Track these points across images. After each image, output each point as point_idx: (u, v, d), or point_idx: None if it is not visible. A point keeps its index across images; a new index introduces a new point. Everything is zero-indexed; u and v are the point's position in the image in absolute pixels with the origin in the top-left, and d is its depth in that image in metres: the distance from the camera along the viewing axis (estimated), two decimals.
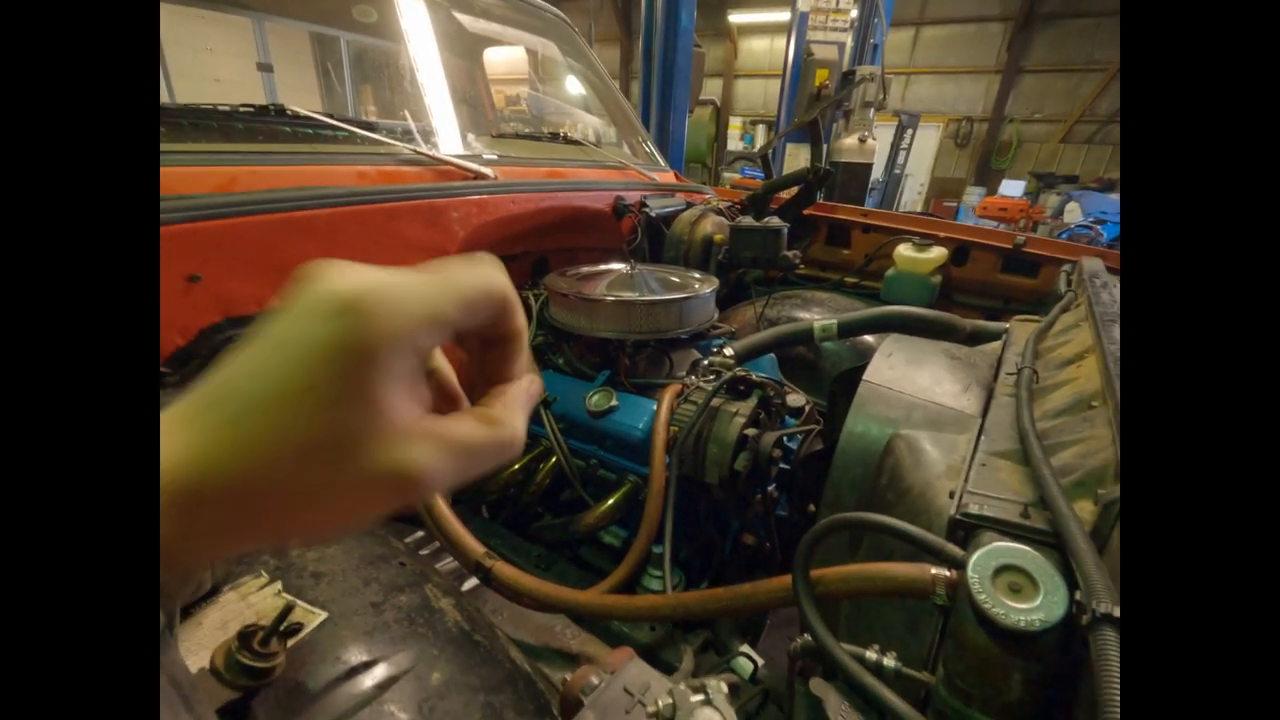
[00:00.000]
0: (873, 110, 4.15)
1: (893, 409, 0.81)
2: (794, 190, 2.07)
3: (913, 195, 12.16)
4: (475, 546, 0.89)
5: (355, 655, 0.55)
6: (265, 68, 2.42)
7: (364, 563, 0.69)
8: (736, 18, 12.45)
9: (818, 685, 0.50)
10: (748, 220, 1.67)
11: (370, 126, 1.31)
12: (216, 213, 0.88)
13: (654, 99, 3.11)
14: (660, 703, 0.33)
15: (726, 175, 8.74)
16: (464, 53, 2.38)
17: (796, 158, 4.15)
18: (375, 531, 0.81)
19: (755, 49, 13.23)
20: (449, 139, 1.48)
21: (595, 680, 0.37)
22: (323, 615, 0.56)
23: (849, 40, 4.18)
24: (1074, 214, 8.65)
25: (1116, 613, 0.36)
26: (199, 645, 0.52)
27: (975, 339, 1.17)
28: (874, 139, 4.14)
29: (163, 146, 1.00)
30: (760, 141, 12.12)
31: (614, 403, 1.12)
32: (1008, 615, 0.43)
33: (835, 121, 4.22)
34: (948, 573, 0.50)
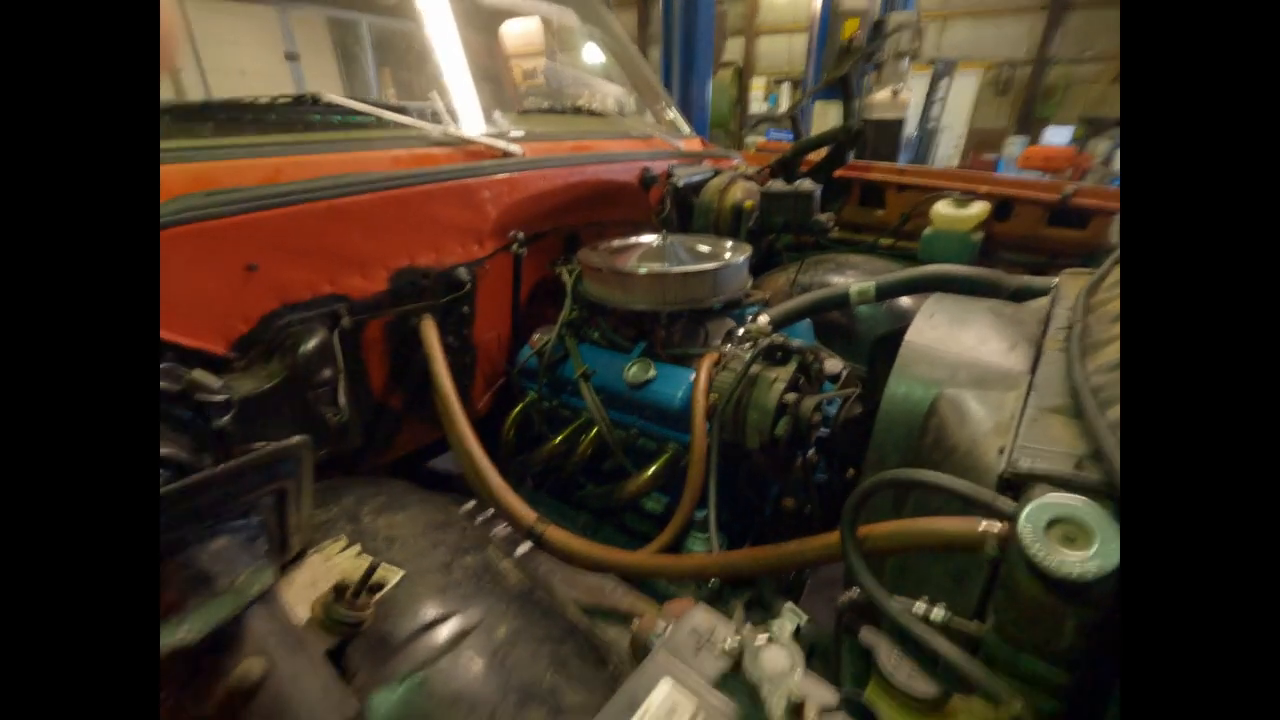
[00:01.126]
0: (907, 61, 3.92)
1: (936, 369, 0.81)
2: (824, 151, 2.01)
3: (949, 150, 11.56)
4: (527, 513, 0.93)
5: (432, 610, 0.59)
6: (292, 56, 2.47)
7: (430, 528, 0.73)
8: None
9: (868, 634, 0.52)
10: (778, 185, 1.63)
11: (400, 110, 1.33)
12: (269, 203, 0.92)
13: (675, 63, 3.03)
14: (729, 642, 0.36)
15: (750, 139, 8.48)
16: (483, 28, 2.36)
17: (826, 116, 3.98)
18: (435, 500, 0.86)
19: (777, 3, 12.60)
20: (476, 119, 1.49)
21: (663, 625, 0.40)
22: (400, 573, 0.61)
23: None
24: None
25: None
26: (292, 601, 0.57)
27: (1021, 296, 1.14)
28: (909, 91, 3.92)
29: (208, 141, 1.04)
30: (785, 102, 11.64)
31: (652, 373, 1.14)
32: (1062, 565, 0.44)
33: (866, 75, 4.01)
34: (999, 526, 0.51)
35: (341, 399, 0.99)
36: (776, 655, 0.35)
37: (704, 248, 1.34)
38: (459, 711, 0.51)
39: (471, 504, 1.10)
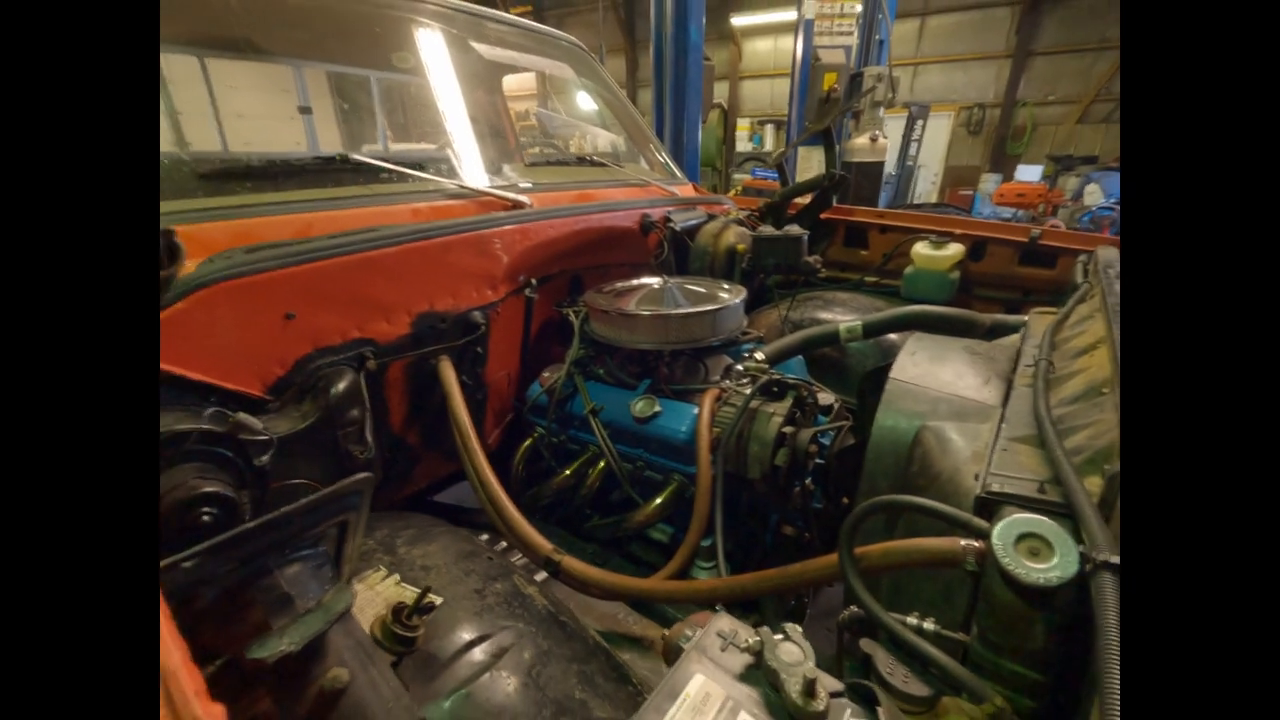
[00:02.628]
0: (882, 109, 4.20)
1: (919, 404, 0.89)
2: (810, 196, 2.15)
3: (926, 186, 12.05)
4: (544, 544, 0.98)
5: (469, 632, 0.65)
6: (305, 110, 2.64)
7: (460, 557, 0.79)
8: (739, 20, 12.52)
9: (867, 644, 0.58)
10: (769, 229, 1.75)
11: (418, 166, 1.43)
12: (305, 258, 1.00)
13: (667, 112, 3.22)
14: (750, 641, 0.42)
15: (737, 177, 8.82)
16: (492, 87, 2.51)
17: (810, 159, 4.23)
18: (459, 531, 0.92)
19: (759, 50, 13.28)
20: (488, 172, 1.60)
21: (689, 632, 0.46)
22: (440, 599, 0.66)
23: (855, 41, 4.24)
24: (1094, 195, 8.50)
25: (1115, 560, 0.44)
26: None
27: (995, 333, 1.24)
28: (885, 137, 4.19)
29: (245, 200, 1.13)
30: (769, 141, 12.15)
31: (657, 409, 1.22)
32: (1029, 574, 0.51)
33: (846, 122, 4.28)
34: (976, 543, 0.58)
35: (368, 437, 1.05)
36: (791, 648, 0.41)
37: (701, 289, 1.43)
38: None
39: (484, 537, 1.15)
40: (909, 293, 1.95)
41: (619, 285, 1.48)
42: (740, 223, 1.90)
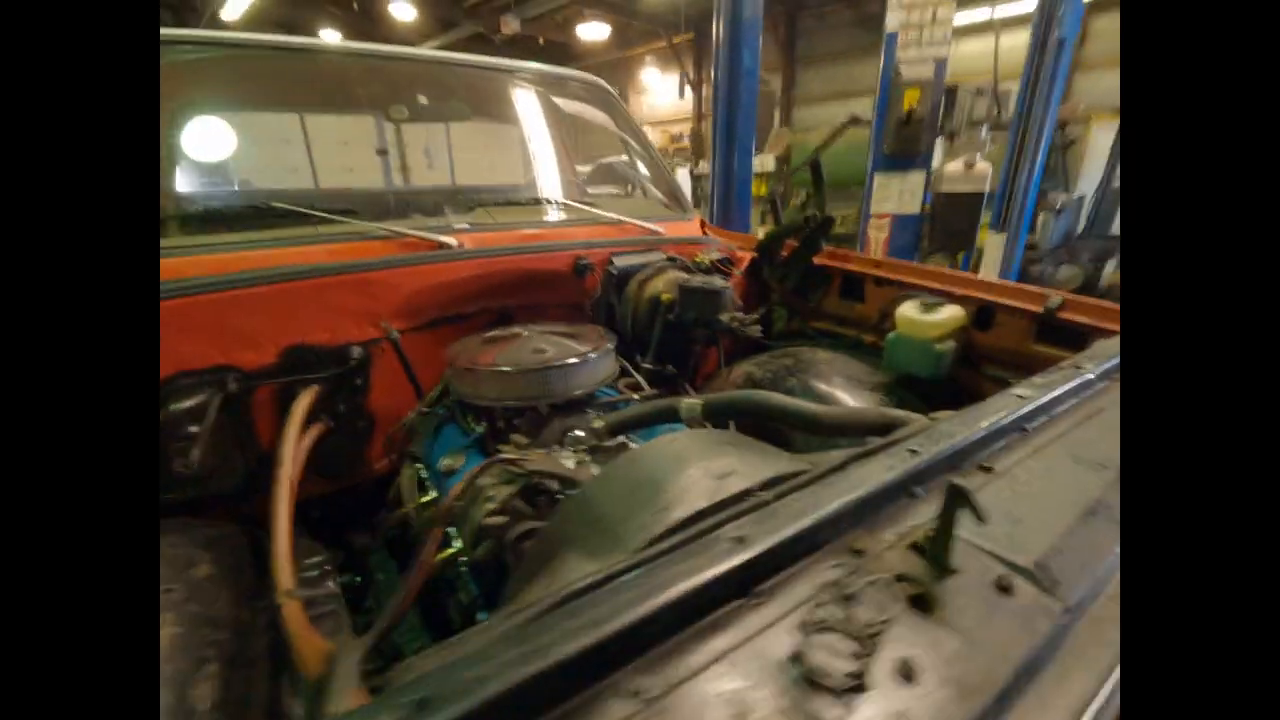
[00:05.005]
0: (986, 129, 3.40)
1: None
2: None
3: None
4: (288, 582, 1.03)
5: None
6: (382, 152, 3.14)
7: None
8: None
9: None
10: (697, 279, 1.58)
11: (347, 211, 1.59)
12: (173, 294, 1.18)
13: (718, 138, 3.07)
14: None
15: None
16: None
17: (887, 188, 3.60)
18: (201, 536, 1.00)
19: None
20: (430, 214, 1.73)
21: None
22: None
23: (947, 53, 3.51)
24: None
25: None
26: None
27: (841, 432, 0.97)
28: (986, 161, 3.37)
29: (181, 242, 1.38)
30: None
31: (459, 465, 1.19)
32: None
33: (941, 139, 3.56)
34: None
35: (195, 453, 1.20)
36: None
37: (564, 344, 1.35)
38: None
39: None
40: (889, 363, 1.59)
41: (495, 333, 1.47)
42: (688, 269, 1.74)
